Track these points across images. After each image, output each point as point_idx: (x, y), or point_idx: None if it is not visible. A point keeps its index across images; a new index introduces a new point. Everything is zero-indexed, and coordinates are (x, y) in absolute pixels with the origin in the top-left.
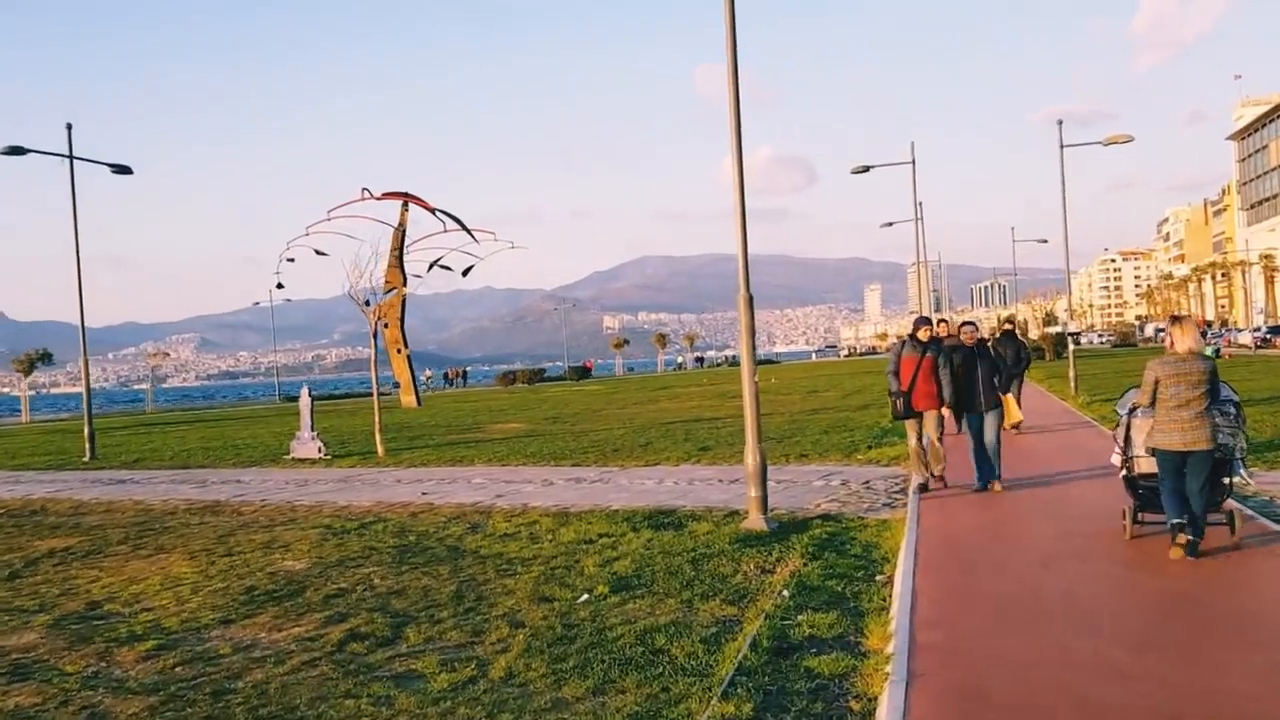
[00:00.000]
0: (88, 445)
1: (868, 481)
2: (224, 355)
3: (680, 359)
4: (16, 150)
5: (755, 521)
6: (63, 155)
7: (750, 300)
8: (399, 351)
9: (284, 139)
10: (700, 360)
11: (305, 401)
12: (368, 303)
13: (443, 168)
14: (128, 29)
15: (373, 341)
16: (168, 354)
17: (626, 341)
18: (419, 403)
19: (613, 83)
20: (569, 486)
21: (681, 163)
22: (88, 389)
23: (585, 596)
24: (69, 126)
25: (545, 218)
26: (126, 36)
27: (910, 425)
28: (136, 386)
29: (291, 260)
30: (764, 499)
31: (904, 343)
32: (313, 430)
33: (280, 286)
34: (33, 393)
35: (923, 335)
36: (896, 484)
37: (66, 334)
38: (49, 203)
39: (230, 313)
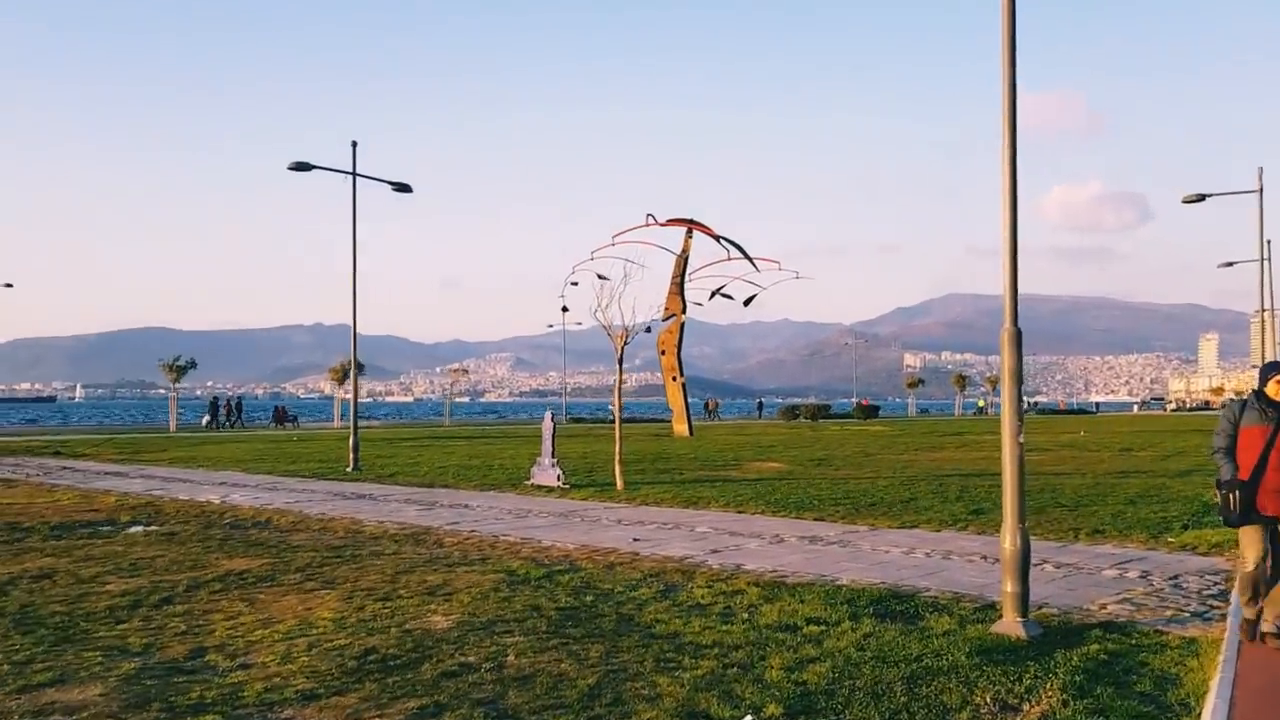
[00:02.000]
0: (351, 456)
1: (1176, 577)
2: (535, 374)
3: (981, 402)
4: (303, 166)
5: (1009, 625)
6: (346, 172)
7: (1018, 338)
8: (674, 379)
9: (597, 166)
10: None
11: (548, 427)
12: (626, 329)
13: (745, 197)
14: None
15: (618, 367)
16: (465, 371)
17: (922, 381)
18: (690, 432)
19: (924, 112)
20: (799, 547)
21: (995, 196)
22: (355, 399)
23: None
24: (354, 144)
25: (849, 251)
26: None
27: (1250, 536)
28: (458, 399)
29: (575, 284)
30: (1023, 596)
31: (1244, 403)
32: (553, 457)
33: (565, 310)
34: (368, 399)
35: (1276, 392)
36: (1214, 584)
37: (402, 348)
38: (389, 225)
39: (542, 334)
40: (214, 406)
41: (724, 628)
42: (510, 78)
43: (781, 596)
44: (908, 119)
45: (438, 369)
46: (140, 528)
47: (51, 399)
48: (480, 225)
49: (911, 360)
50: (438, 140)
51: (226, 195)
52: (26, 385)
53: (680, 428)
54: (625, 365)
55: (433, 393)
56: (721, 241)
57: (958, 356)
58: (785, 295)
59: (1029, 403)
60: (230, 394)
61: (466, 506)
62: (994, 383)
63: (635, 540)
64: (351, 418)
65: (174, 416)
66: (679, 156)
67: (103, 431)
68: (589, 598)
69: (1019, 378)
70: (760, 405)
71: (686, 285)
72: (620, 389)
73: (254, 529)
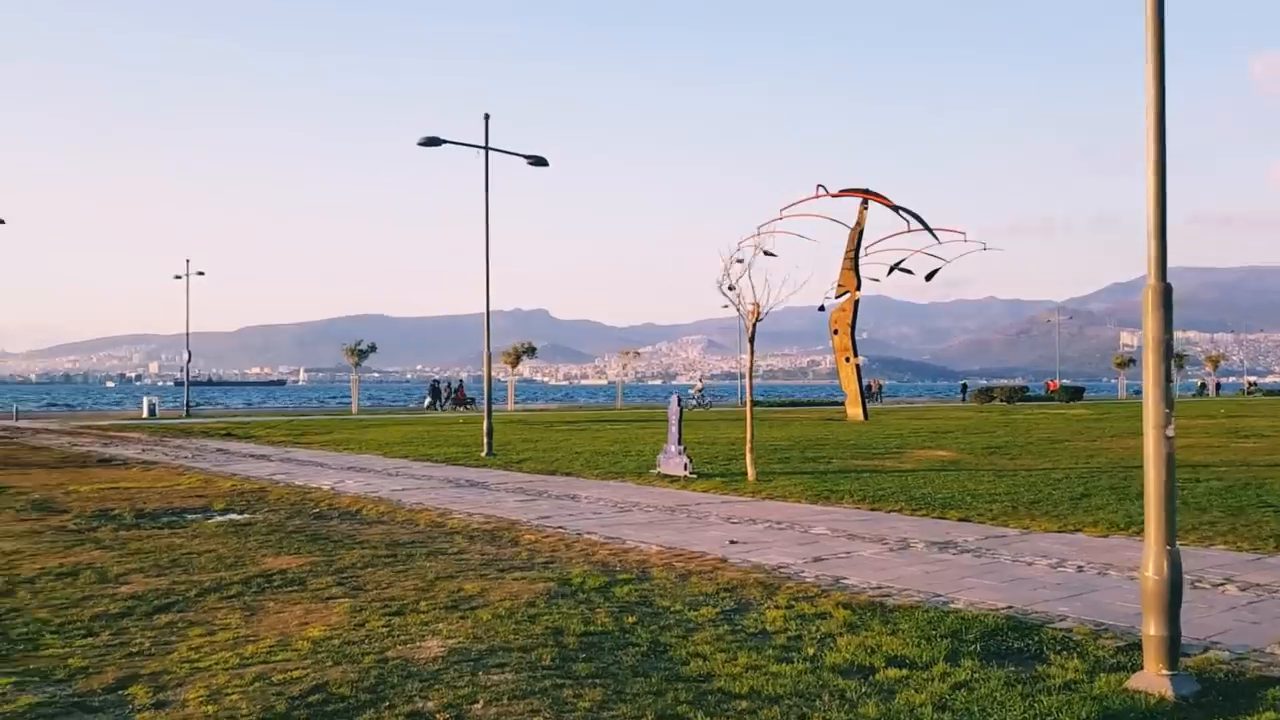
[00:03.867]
0: (485, 441)
1: None
2: (727, 357)
3: (1200, 382)
4: (433, 141)
5: (1151, 680)
6: (479, 146)
7: (1166, 295)
8: (847, 360)
9: (788, 139)
10: (1218, 387)
11: (674, 411)
12: (756, 307)
13: (944, 169)
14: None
15: (749, 346)
16: (638, 353)
17: (1132, 360)
18: (865, 415)
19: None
20: (923, 556)
21: (1226, 162)
22: (488, 382)
23: None
24: (486, 117)
25: (1061, 225)
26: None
27: None
28: (651, 382)
29: (740, 261)
30: (1172, 641)
31: None
32: (680, 444)
33: (732, 289)
34: (566, 382)
35: None
36: None
37: (596, 332)
38: (579, 207)
39: (736, 317)
40: (434, 389)
41: (775, 668)
42: (705, 53)
43: (870, 624)
44: (1131, 83)
45: (629, 353)
46: (225, 517)
47: (281, 382)
48: (668, 207)
49: (1129, 339)
50: (634, 123)
51: (425, 185)
52: (257, 369)
53: (854, 411)
54: (820, 348)
55: (625, 376)
56: (900, 212)
57: (1180, 334)
58: (991, 272)
59: (1248, 383)
60: (438, 377)
61: (573, 498)
62: (1215, 362)
63: (731, 543)
64: (485, 403)
65: (355, 399)
66: (863, 122)
67: (290, 414)
68: (631, 619)
69: (1166, 349)
70: (964, 388)
71: (862, 260)
72: (751, 369)
73: (337, 520)
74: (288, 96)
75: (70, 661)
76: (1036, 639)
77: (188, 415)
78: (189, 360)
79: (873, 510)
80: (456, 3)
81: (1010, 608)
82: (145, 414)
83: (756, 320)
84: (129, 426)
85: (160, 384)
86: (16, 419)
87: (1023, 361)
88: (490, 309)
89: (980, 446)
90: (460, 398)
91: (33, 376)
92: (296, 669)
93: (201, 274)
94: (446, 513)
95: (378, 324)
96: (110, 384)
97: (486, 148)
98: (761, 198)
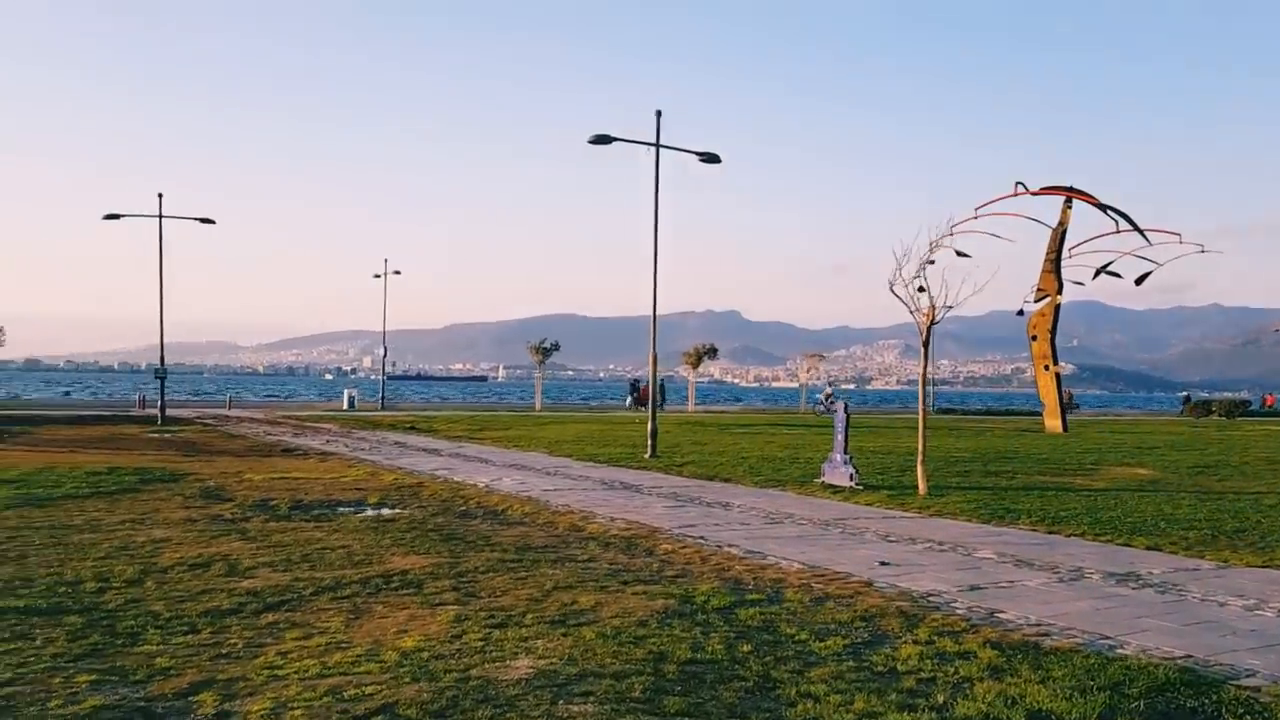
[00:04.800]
0: (649, 443)
1: None
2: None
3: None
4: (602, 139)
5: None
6: (649, 144)
7: None
8: (1046, 368)
9: (978, 137)
10: None
11: (840, 418)
12: (933, 309)
13: (1159, 168)
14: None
15: (924, 352)
16: (823, 356)
17: None
18: (1064, 427)
19: None
20: (1098, 588)
21: None
22: (654, 383)
23: None
24: (658, 114)
25: None
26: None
27: None
28: (845, 386)
29: (932, 262)
30: None
31: None
32: (846, 453)
33: (922, 290)
34: (757, 384)
35: None
36: None
37: (790, 335)
38: (774, 209)
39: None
40: (634, 387)
41: (894, 717)
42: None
43: (1017, 669)
44: None
45: (822, 355)
46: (374, 511)
47: (483, 378)
48: (860, 207)
49: None
50: (823, 124)
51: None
52: (460, 365)
53: (1052, 423)
54: (1026, 354)
55: (816, 379)
56: (1108, 212)
57: None
58: (1213, 277)
59: None
60: (639, 376)
61: (724, 506)
62: None
63: (881, 564)
64: (650, 405)
65: (539, 396)
66: (1059, 122)
67: (475, 409)
68: (745, 647)
69: None
70: (1187, 399)
71: (1065, 262)
72: (925, 375)
73: (479, 519)
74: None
75: (157, 661)
76: (1214, 699)
77: (382, 408)
78: (385, 355)
79: (1049, 533)
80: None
81: (1189, 657)
82: (345, 406)
83: (931, 324)
84: (326, 418)
85: (373, 377)
86: (229, 408)
87: (1249, 373)
88: (668, 310)
89: (1186, 465)
90: (643, 397)
91: (260, 369)
92: (371, 685)
93: (398, 273)
94: (589, 516)
95: (571, 324)
96: (329, 376)
97: (658, 145)
98: (953, 197)
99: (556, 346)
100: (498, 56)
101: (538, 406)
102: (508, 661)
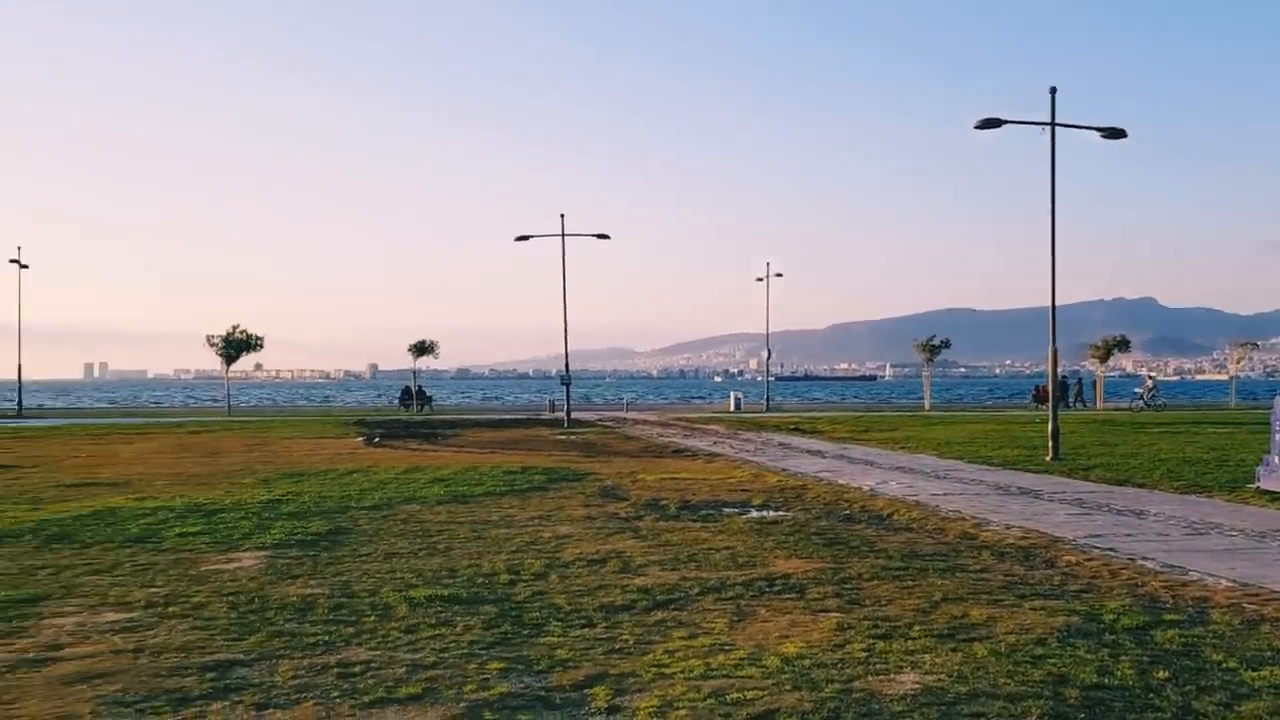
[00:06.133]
0: (1050, 444)
1: None
2: None
3: None
4: (991, 123)
5: None
6: (1044, 124)
7: None
8: None
9: None
10: None
11: (1278, 414)
12: None
13: None
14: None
15: None
16: (1256, 344)
17: None
18: None
19: None
20: None
21: None
22: (1053, 380)
23: None
24: (1052, 91)
25: None
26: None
27: None
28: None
29: None
30: None
31: None
32: None
33: None
34: (1177, 377)
35: None
36: None
37: (1215, 321)
38: (1178, 182)
39: None
40: (1063, 386)
41: None
42: None
43: None
44: None
45: (1259, 342)
46: (758, 513)
47: (872, 377)
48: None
49: None
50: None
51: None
52: (845, 365)
53: None
54: None
55: (1251, 370)
56: None
57: None
58: None
59: None
60: (1031, 372)
61: (1137, 514)
62: None
63: None
64: (1050, 402)
65: (928, 394)
66: None
67: (860, 409)
68: (1162, 674)
69: None
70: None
71: None
72: None
73: (863, 524)
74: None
75: (558, 652)
76: None
77: (767, 409)
78: (769, 357)
79: None
80: None
81: None
82: (732, 407)
83: None
84: (713, 419)
85: (758, 379)
86: (626, 411)
87: None
88: (1070, 300)
89: None
90: (1042, 394)
91: (654, 372)
92: (754, 689)
93: (780, 275)
94: (982, 524)
95: (962, 318)
96: (717, 379)
97: (1053, 124)
98: None
99: (946, 343)
100: (866, 48)
101: (926, 406)
102: (892, 675)
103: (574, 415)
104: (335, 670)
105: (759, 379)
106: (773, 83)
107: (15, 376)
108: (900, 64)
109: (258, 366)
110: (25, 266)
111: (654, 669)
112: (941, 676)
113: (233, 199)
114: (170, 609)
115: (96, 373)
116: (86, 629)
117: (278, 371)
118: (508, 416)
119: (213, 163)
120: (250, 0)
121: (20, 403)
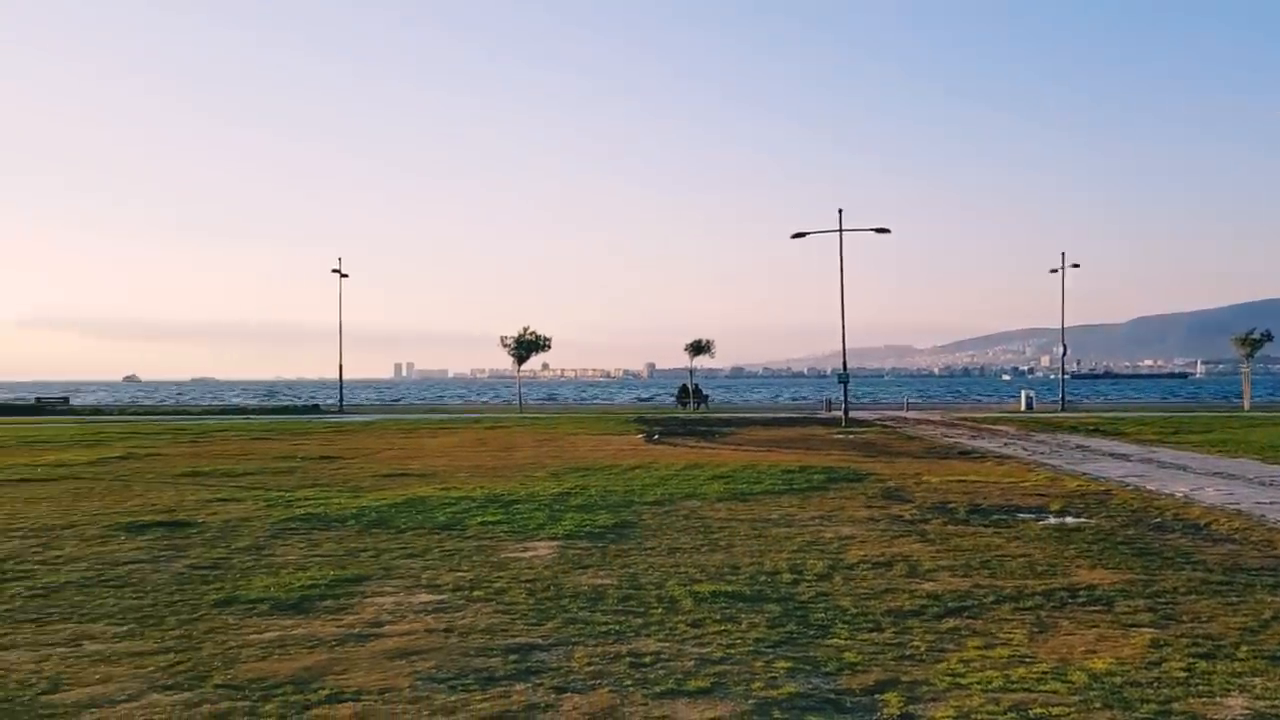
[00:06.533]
0: None
1: None
2: None
3: None
4: None
5: None
6: None
7: None
8: None
9: None
10: None
11: None
12: None
13: None
14: None
15: None
16: None
17: None
18: None
19: None
20: None
21: None
22: None
23: None
24: None
25: None
26: None
27: None
28: None
29: None
30: None
31: None
32: None
33: None
34: None
35: None
36: None
37: None
38: None
39: None
40: None
41: None
42: None
43: None
44: None
45: None
46: (1056, 520)
47: (1182, 375)
48: None
49: None
50: None
51: None
52: (1149, 361)
53: None
54: None
55: None
56: None
57: None
58: None
59: None
60: None
61: None
62: None
63: None
64: None
65: (1247, 394)
66: None
67: (1167, 409)
68: None
69: None
70: None
71: None
72: None
73: (1177, 533)
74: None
75: (845, 655)
76: None
77: (1062, 409)
78: (1065, 354)
79: None
80: None
81: None
82: (1023, 407)
83: None
84: (1002, 419)
85: (1051, 376)
86: (906, 410)
87: None
88: None
89: None
90: None
91: (935, 370)
92: (1058, 706)
93: (1076, 266)
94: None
95: None
96: (1005, 377)
97: None
98: None
99: (1268, 336)
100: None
101: (1245, 406)
102: (1218, 698)
103: (851, 414)
104: (627, 659)
105: (1052, 377)
106: (1063, 67)
107: (337, 376)
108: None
109: (545, 366)
110: (345, 276)
111: (948, 678)
112: (1273, 702)
113: (524, 207)
114: (475, 593)
115: (404, 372)
116: (403, 608)
117: (562, 370)
118: (783, 415)
119: (508, 174)
120: (599, 12)
121: (341, 399)
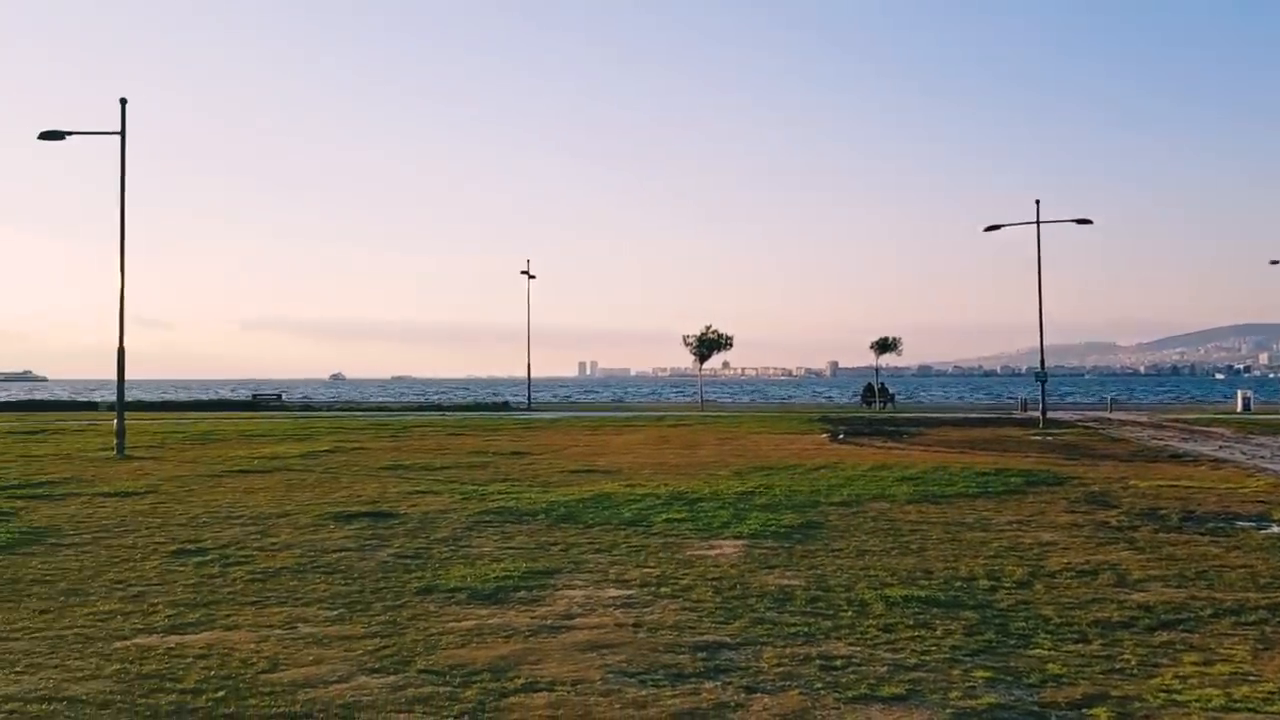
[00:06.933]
0: None
1: None
2: None
3: None
4: None
5: None
6: None
7: None
8: None
9: None
10: None
11: None
12: None
13: None
14: None
15: None
16: None
17: None
18: None
19: None
20: None
21: None
22: None
23: None
24: None
25: None
26: None
27: None
28: None
29: None
30: None
31: None
32: None
33: None
34: None
35: None
36: None
37: None
38: None
39: None
40: None
41: None
42: None
43: None
44: None
45: None
46: None
47: None
48: None
49: None
50: None
51: None
52: None
53: None
54: None
55: None
56: None
57: None
58: None
59: None
60: None
61: None
62: None
63: None
64: None
65: None
66: None
67: None
68: None
69: None
70: None
71: None
72: None
73: None
74: None
75: (1049, 667)
76: None
77: None
78: None
79: None
80: None
81: None
82: (1239, 408)
83: None
84: (1216, 421)
85: (1270, 375)
86: (1110, 411)
87: None
88: None
89: None
90: None
91: (1140, 369)
92: None
93: None
94: None
95: None
96: (1219, 376)
97: None
98: None
99: None
100: None
101: None
102: None
103: (1050, 414)
104: (817, 662)
105: (1270, 375)
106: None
107: (525, 374)
108: None
109: (725, 364)
110: (533, 277)
111: (1163, 694)
112: None
113: (709, 204)
114: (662, 589)
115: (589, 371)
116: (593, 602)
117: (743, 369)
118: (974, 415)
119: (689, 177)
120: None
121: (530, 397)
